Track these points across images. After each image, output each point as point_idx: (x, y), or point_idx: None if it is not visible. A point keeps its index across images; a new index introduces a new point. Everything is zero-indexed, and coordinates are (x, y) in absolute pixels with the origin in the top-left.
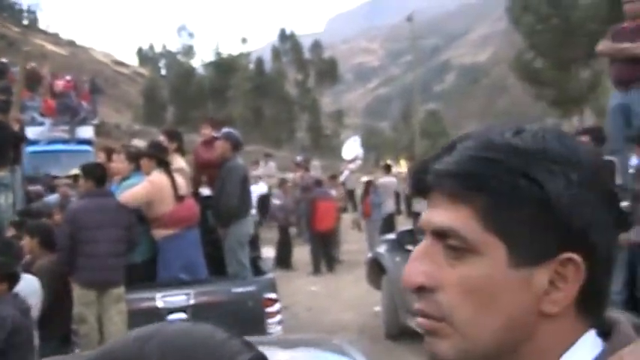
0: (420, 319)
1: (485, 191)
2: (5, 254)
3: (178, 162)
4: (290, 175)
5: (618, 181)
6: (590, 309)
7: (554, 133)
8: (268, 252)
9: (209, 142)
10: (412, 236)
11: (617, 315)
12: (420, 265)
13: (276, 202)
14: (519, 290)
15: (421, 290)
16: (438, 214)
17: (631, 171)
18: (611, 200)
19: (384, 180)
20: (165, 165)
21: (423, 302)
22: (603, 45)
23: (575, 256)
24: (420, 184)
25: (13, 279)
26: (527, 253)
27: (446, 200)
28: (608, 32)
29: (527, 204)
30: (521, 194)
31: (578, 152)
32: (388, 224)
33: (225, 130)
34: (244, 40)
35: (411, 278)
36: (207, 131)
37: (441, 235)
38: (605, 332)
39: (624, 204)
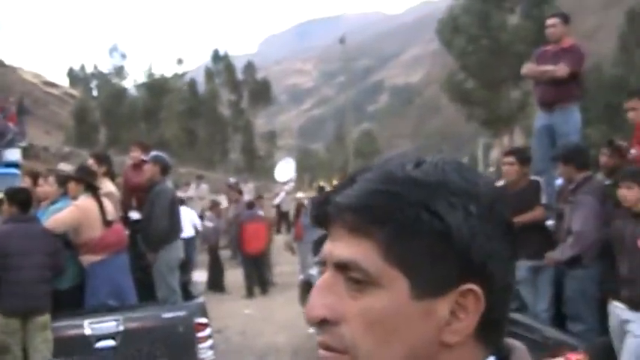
0: (322, 352)
1: (386, 224)
2: None
3: (107, 186)
4: (222, 197)
5: (544, 200)
6: (490, 337)
7: (453, 165)
8: (201, 275)
9: (138, 166)
10: None
11: (513, 341)
12: (322, 298)
13: (208, 224)
14: (421, 321)
15: (324, 323)
16: (340, 246)
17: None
18: (507, 231)
19: None
20: (93, 189)
21: (326, 335)
22: (527, 67)
23: (475, 286)
24: (321, 217)
25: None
26: (429, 284)
27: (347, 233)
28: (532, 55)
29: (427, 236)
30: (421, 227)
31: (477, 184)
32: (320, 246)
33: (153, 153)
34: (180, 61)
35: (313, 312)
36: (137, 154)
37: (342, 267)
38: (503, 358)
39: (549, 223)
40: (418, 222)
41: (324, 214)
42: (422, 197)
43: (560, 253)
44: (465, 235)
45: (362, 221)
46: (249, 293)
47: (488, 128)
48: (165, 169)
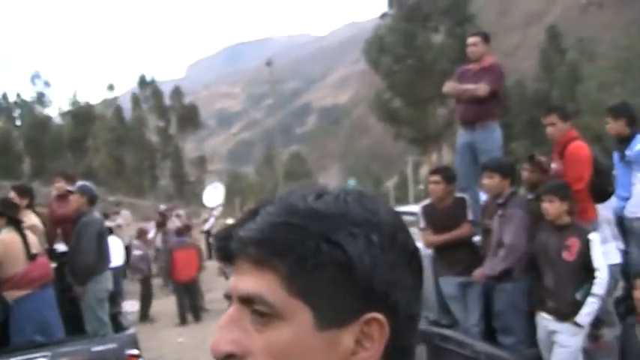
0: None
1: (288, 256)
2: None
3: (30, 219)
4: (151, 225)
5: (470, 217)
6: None
7: (355, 195)
8: (133, 305)
9: (63, 197)
10: None
11: None
12: (227, 333)
13: (136, 252)
14: (327, 352)
15: (230, 358)
16: (244, 280)
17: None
18: (411, 259)
19: None
20: (15, 223)
21: None
22: (448, 86)
23: (379, 315)
24: (225, 251)
25: None
26: (333, 315)
27: (251, 266)
28: (453, 73)
29: (329, 267)
30: (323, 258)
31: (378, 214)
32: None
33: (80, 183)
34: (111, 87)
35: (219, 347)
36: (61, 185)
37: (247, 301)
38: None
39: (476, 239)
40: (319, 253)
41: (227, 249)
42: (323, 228)
43: (491, 267)
44: (367, 265)
45: (264, 254)
46: (182, 321)
47: (417, 146)
48: (92, 200)
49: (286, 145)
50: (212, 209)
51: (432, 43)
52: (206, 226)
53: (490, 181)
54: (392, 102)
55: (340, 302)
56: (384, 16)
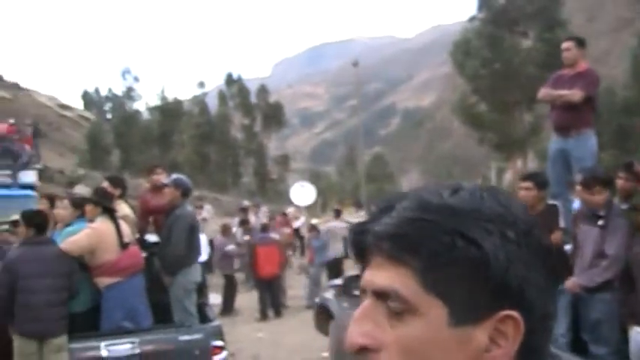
0: None
1: (423, 252)
2: None
3: (123, 208)
4: (234, 220)
5: (562, 224)
6: None
7: (490, 191)
8: (216, 298)
9: (158, 188)
10: (359, 281)
11: None
12: (361, 326)
13: (221, 247)
14: (459, 348)
15: (363, 351)
16: (379, 275)
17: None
18: (545, 257)
19: (332, 224)
20: (109, 212)
21: None
22: (543, 92)
23: (514, 313)
24: (360, 245)
25: None
26: (467, 311)
27: (385, 261)
28: (548, 79)
29: (464, 263)
30: (458, 254)
31: (513, 210)
32: (335, 269)
33: (174, 176)
34: (202, 85)
35: (352, 340)
36: (162, 177)
37: (381, 295)
38: None
39: (567, 247)
40: (454, 249)
41: (362, 244)
42: (458, 224)
43: (589, 278)
44: (501, 262)
45: (399, 249)
46: (263, 316)
47: (500, 152)
48: (185, 193)
49: (368, 146)
50: (301, 208)
51: (519, 47)
52: (296, 224)
53: (590, 195)
54: (476, 106)
55: (474, 299)
56: (472, 19)
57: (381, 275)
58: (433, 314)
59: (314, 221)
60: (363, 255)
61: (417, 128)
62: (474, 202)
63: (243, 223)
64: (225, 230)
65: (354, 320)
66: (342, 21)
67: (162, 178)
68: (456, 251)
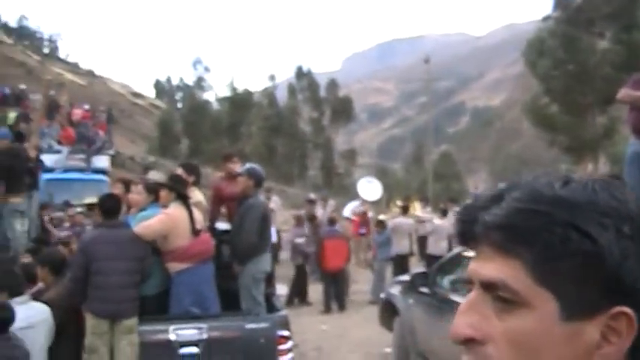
0: None
1: (535, 244)
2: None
3: (196, 195)
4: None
5: None
6: None
7: (603, 183)
8: (282, 289)
9: (233, 177)
10: (426, 278)
11: None
12: (467, 317)
13: (292, 238)
14: (569, 343)
15: (469, 342)
16: (487, 265)
17: None
18: None
19: (399, 220)
20: (183, 198)
21: (471, 355)
22: (623, 92)
23: (628, 309)
24: (467, 235)
25: (3, 323)
26: (578, 306)
27: (495, 252)
28: (627, 80)
29: (577, 257)
30: (571, 247)
31: (628, 204)
32: (401, 265)
33: (248, 165)
34: (272, 78)
35: (458, 330)
36: (237, 166)
37: (489, 286)
38: None
39: None
40: (567, 242)
41: (470, 233)
42: (571, 217)
43: None
44: (616, 257)
45: (510, 240)
46: (327, 309)
47: (571, 155)
48: (258, 183)
49: (436, 144)
50: (368, 203)
51: (595, 48)
52: (347, 213)
53: None
54: (548, 107)
55: (587, 293)
56: (546, 18)
57: (489, 266)
58: (544, 308)
59: (381, 217)
60: (470, 244)
61: (485, 128)
62: (587, 195)
63: (311, 216)
64: (299, 221)
65: (459, 311)
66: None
67: (237, 167)
68: (570, 244)
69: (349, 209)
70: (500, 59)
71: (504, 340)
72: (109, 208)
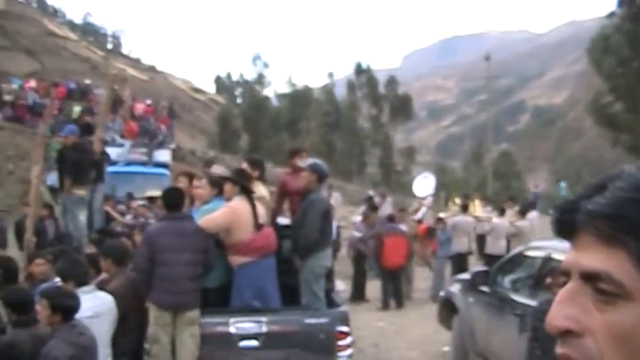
0: None
1: None
2: (70, 275)
3: (260, 190)
4: (360, 209)
5: None
6: None
7: None
8: (340, 285)
9: (298, 172)
10: (486, 277)
11: None
12: (565, 308)
13: (356, 234)
14: None
15: (566, 335)
16: (589, 256)
17: None
18: None
19: (459, 219)
20: (247, 192)
21: (568, 347)
22: None
23: None
24: (567, 224)
25: (68, 310)
26: None
27: (597, 242)
28: None
29: None
30: None
31: None
32: (460, 264)
33: (311, 160)
34: (331, 75)
35: (556, 322)
36: (304, 160)
37: (590, 277)
38: None
39: None
40: None
41: (570, 222)
42: None
43: None
44: None
45: (615, 230)
46: (384, 306)
47: (635, 155)
48: (321, 178)
49: (496, 142)
50: (423, 199)
51: None
52: (417, 216)
53: None
54: (611, 106)
55: None
56: (610, 15)
57: (590, 256)
58: None
59: (441, 215)
60: (568, 235)
61: (546, 126)
62: None
63: (372, 211)
64: (366, 218)
65: (557, 302)
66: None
67: (301, 161)
68: None
69: (420, 214)
70: (562, 57)
71: (604, 334)
72: (172, 201)
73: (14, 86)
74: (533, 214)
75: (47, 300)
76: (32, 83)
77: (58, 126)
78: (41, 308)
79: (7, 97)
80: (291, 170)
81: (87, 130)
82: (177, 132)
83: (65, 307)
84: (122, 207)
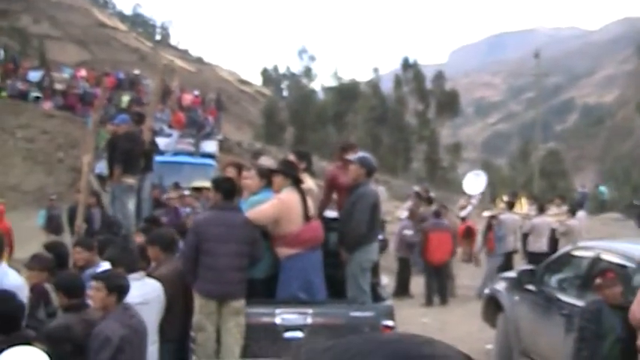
0: None
1: None
2: (120, 262)
3: (308, 182)
4: (405, 204)
5: None
6: None
7: None
8: (384, 279)
9: (346, 165)
10: (533, 276)
11: None
12: None
13: (407, 232)
14: None
15: None
16: None
17: None
18: None
19: (507, 217)
20: (297, 183)
21: None
22: None
23: None
24: None
25: (122, 291)
26: None
27: None
28: None
29: None
30: None
31: None
32: (507, 262)
33: (360, 154)
34: (376, 70)
35: (637, 315)
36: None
37: None
38: None
39: None
40: None
41: None
42: None
43: None
44: None
45: None
46: (428, 302)
47: None
48: (370, 172)
49: (544, 140)
50: (471, 197)
51: None
52: (463, 213)
53: None
54: None
55: None
56: None
57: None
58: None
59: (485, 213)
60: None
61: (595, 125)
62: None
63: (421, 203)
64: (413, 214)
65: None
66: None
67: (351, 155)
68: None
69: (466, 212)
70: (613, 55)
71: None
72: (228, 189)
73: (65, 75)
74: (581, 214)
75: (103, 282)
76: (83, 72)
77: (109, 115)
78: (95, 291)
79: (59, 86)
80: (341, 164)
81: (138, 119)
82: (223, 123)
83: (120, 288)
84: (170, 196)
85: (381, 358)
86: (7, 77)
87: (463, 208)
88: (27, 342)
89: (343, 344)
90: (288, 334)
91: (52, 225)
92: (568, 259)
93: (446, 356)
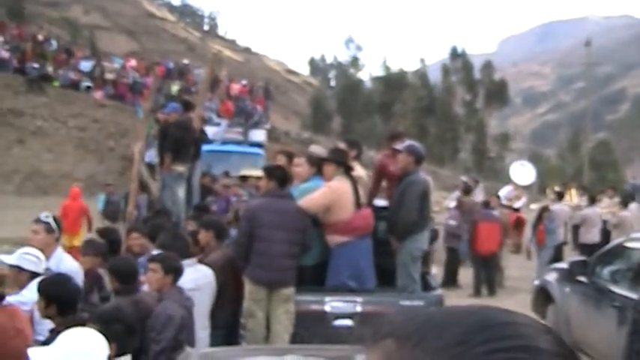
0: None
1: None
2: (173, 248)
3: (358, 170)
4: (453, 195)
5: None
6: None
7: None
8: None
9: (396, 154)
10: (585, 267)
11: None
12: None
13: (452, 222)
14: None
15: None
16: None
17: None
18: None
19: (557, 207)
20: (348, 172)
21: None
22: None
23: None
24: None
25: (178, 273)
26: None
27: None
28: None
29: None
30: None
31: None
32: (557, 254)
33: (408, 143)
34: (422, 60)
35: None
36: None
37: None
38: None
39: None
40: None
41: None
42: None
43: None
44: None
45: None
46: (476, 293)
47: None
48: (419, 160)
49: (594, 131)
50: (523, 187)
51: None
52: (517, 204)
53: None
54: None
55: None
56: None
57: None
58: None
59: (532, 206)
60: None
61: None
62: None
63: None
64: (460, 205)
65: None
66: None
67: (400, 144)
68: None
69: (503, 196)
70: None
71: None
72: (281, 177)
73: (116, 65)
74: (633, 205)
75: (160, 263)
76: (133, 62)
77: (158, 104)
78: (151, 272)
79: (109, 76)
80: (390, 153)
81: (187, 107)
82: (271, 113)
83: (176, 270)
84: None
85: (465, 326)
86: (60, 67)
87: (516, 198)
88: (82, 324)
89: (425, 315)
90: (338, 322)
91: (110, 210)
92: (620, 250)
93: (526, 324)
